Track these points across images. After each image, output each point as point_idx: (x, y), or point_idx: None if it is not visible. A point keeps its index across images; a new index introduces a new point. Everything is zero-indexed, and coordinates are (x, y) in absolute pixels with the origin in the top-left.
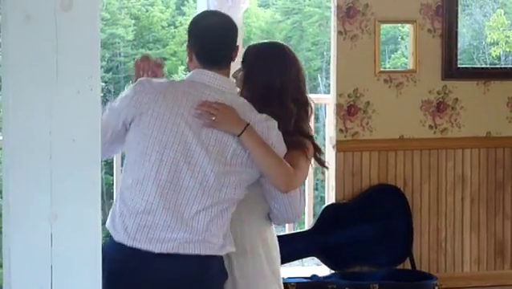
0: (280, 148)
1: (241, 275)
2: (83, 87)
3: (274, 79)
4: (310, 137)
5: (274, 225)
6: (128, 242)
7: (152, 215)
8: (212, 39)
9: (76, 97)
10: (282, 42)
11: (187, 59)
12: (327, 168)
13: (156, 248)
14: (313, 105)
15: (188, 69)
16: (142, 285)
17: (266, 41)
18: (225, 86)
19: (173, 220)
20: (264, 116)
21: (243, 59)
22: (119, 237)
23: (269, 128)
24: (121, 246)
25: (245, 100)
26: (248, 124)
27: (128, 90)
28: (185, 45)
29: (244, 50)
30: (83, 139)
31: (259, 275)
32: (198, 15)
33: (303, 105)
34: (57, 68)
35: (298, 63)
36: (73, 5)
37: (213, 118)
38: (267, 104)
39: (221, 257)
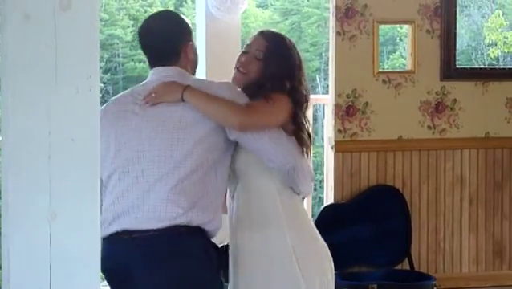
0: (236, 100)
1: (240, 251)
2: (82, 87)
3: (289, 69)
4: (303, 130)
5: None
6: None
7: (117, 204)
8: (150, 42)
9: (75, 97)
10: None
11: None
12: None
13: (114, 228)
14: (308, 97)
15: None
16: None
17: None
18: (170, 73)
19: (135, 196)
20: (215, 80)
21: (266, 43)
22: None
23: (219, 86)
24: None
25: (190, 75)
26: (187, 86)
27: None
28: None
29: (265, 35)
30: (82, 139)
31: (249, 250)
32: (144, 20)
33: (299, 97)
34: (56, 68)
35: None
36: (72, 5)
37: (153, 95)
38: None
39: (191, 228)
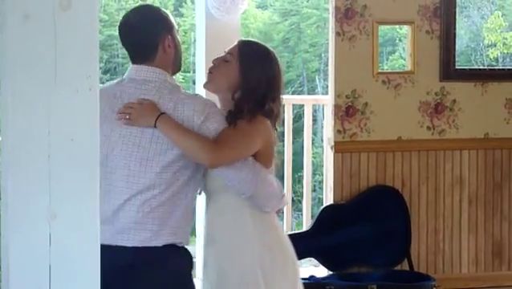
0: (211, 125)
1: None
2: (81, 86)
3: (267, 79)
4: None
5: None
6: None
7: None
8: (127, 36)
9: (75, 97)
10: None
11: None
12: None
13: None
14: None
15: None
16: None
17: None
18: (149, 76)
19: (107, 212)
20: (192, 94)
21: (240, 54)
22: None
23: (196, 109)
24: None
25: (173, 82)
26: (161, 114)
27: None
28: None
29: (239, 46)
30: (81, 138)
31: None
32: (123, 14)
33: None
34: (55, 68)
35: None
36: (72, 4)
37: (128, 117)
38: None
39: (164, 248)
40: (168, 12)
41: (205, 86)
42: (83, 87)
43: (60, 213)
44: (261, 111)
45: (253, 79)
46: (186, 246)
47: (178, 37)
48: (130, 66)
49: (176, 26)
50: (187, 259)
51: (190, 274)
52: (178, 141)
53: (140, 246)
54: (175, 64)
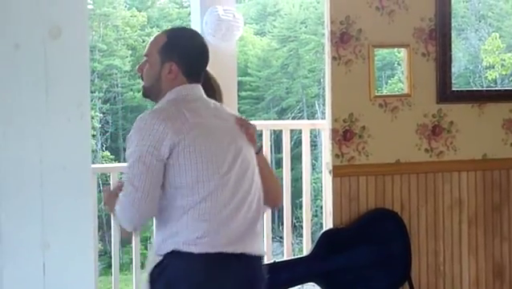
0: None
1: None
2: (73, 115)
3: None
4: None
5: None
6: None
7: None
8: (201, 58)
9: (67, 125)
10: None
11: (166, 73)
12: None
13: None
14: None
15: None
16: None
17: None
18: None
19: None
20: None
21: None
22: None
23: None
24: None
25: None
26: None
27: None
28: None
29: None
30: (73, 167)
31: None
32: (182, 32)
33: None
34: (47, 96)
35: None
36: (61, 33)
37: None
38: None
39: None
40: None
41: None
42: (75, 116)
43: (53, 242)
44: None
45: None
46: None
47: None
48: (187, 85)
49: None
50: None
51: None
52: None
53: None
54: None
